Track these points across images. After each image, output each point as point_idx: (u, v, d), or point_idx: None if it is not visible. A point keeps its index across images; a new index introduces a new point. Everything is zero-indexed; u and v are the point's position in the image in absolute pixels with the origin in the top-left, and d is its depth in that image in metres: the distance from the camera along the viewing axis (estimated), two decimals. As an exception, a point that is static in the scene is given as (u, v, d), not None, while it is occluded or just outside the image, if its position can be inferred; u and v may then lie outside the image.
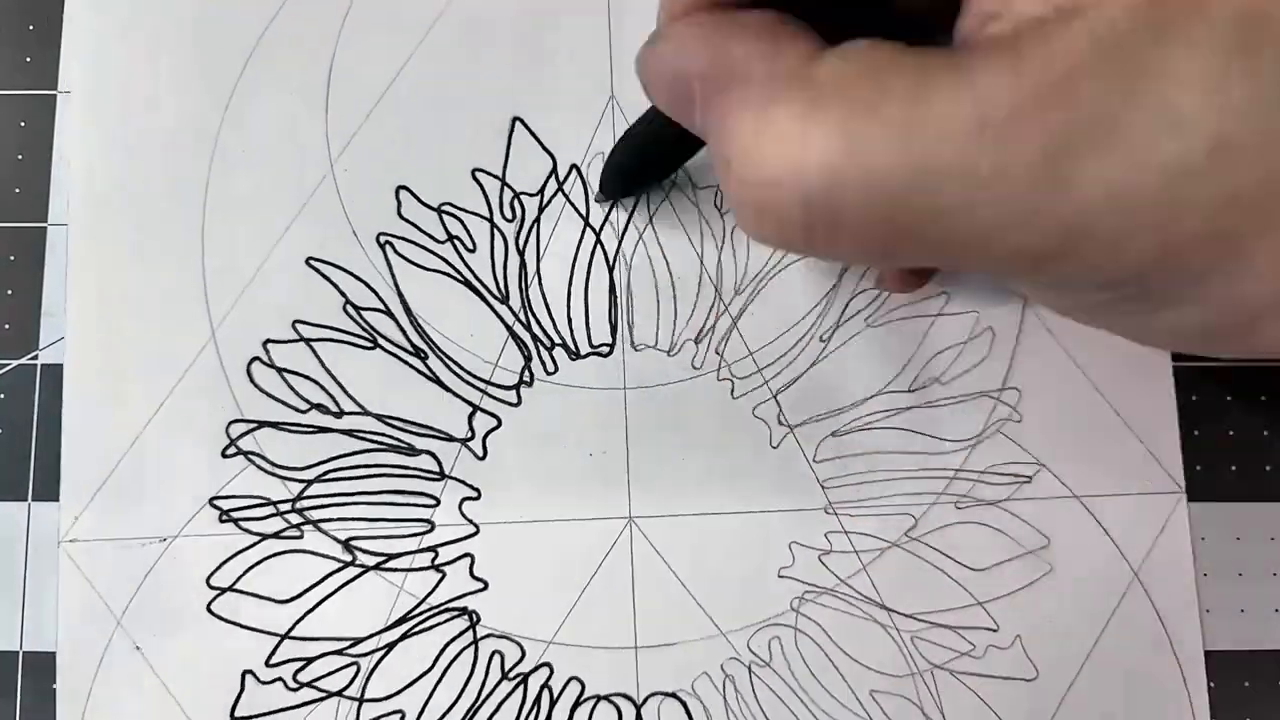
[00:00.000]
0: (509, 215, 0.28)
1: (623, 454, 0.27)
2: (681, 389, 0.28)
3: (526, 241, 0.28)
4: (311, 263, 0.28)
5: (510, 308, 0.28)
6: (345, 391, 0.27)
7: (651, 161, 0.26)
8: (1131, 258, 0.16)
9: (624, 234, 0.28)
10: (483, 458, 0.27)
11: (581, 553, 0.27)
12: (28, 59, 0.29)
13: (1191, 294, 0.17)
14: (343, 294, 0.28)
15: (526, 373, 0.28)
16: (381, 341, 0.28)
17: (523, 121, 0.28)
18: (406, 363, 0.28)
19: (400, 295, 0.28)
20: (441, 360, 0.28)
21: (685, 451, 0.27)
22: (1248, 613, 0.27)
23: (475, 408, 0.28)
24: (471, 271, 0.28)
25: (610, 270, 0.28)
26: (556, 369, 0.28)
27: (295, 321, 0.28)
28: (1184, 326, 0.18)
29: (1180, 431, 0.27)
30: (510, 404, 0.28)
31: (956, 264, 0.19)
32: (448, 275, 0.28)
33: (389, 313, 0.28)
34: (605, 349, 0.28)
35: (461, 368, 0.28)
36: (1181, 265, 0.16)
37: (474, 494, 0.27)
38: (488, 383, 0.28)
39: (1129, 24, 0.15)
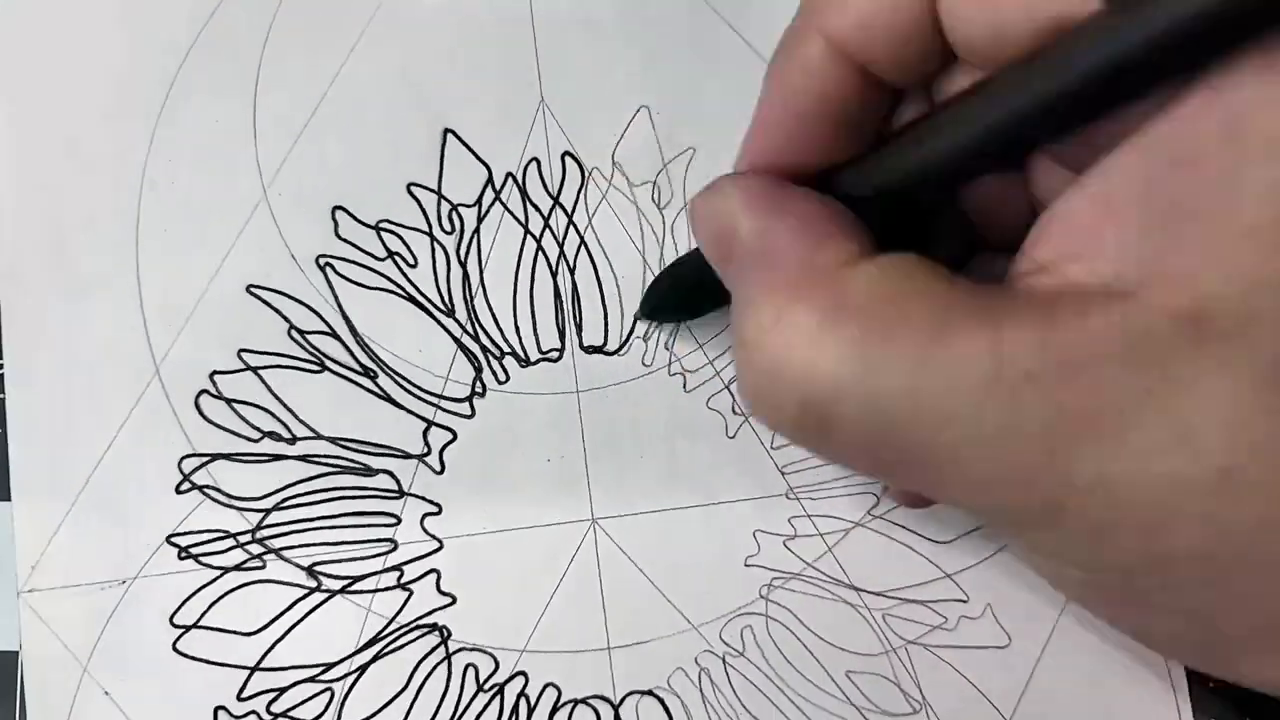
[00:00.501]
0: (448, 228, 0.28)
1: (580, 457, 0.27)
2: (634, 387, 0.27)
3: (468, 253, 0.28)
4: (252, 290, 0.28)
5: (457, 320, 0.28)
6: (296, 417, 0.27)
7: (694, 290, 0.25)
8: (1113, 553, 0.16)
9: (564, 238, 0.28)
10: (441, 472, 0.27)
11: (547, 558, 0.27)
12: (-51, 108, 0.29)
13: (1174, 604, 0.16)
14: (286, 319, 0.28)
15: (478, 384, 0.28)
16: (329, 364, 0.27)
17: (454, 133, 0.28)
18: (356, 383, 0.27)
19: (345, 316, 0.28)
20: (391, 378, 0.28)
21: (643, 449, 0.27)
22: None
23: (429, 423, 0.27)
24: (415, 287, 0.28)
25: (554, 275, 0.28)
26: (508, 378, 0.28)
27: (240, 351, 0.27)
28: (1170, 636, 0.18)
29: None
30: (464, 416, 0.27)
31: (940, 499, 0.19)
32: (391, 293, 0.28)
33: (335, 334, 0.28)
34: (555, 354, 0.28)
35: (412, 384, 0.28)
36: (1165, 573, 0.16)
37: (435, 509, 0.27)
38: (440, 397, 0.28)
39: (1169, 329, 0.15)
